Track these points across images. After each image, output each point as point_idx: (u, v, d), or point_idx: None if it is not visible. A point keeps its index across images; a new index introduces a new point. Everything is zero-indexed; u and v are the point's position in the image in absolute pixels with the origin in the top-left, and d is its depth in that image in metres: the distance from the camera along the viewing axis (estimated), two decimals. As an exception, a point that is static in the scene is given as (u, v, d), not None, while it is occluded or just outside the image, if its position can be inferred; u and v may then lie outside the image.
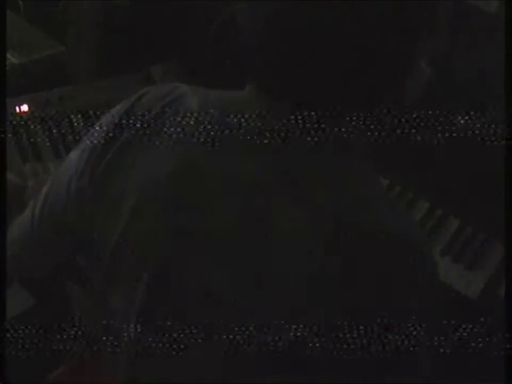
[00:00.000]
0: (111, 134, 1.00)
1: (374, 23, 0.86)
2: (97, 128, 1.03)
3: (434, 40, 0.92)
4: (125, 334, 1.02)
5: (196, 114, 0.96)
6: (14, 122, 1.68)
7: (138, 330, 1.01)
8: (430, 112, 0.94)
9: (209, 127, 0.95)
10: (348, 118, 0.89)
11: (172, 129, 0.97)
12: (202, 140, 0.95)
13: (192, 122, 0.96)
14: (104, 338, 1.05)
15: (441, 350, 0.96)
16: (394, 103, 0.92)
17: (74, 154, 1.06)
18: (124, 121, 1.00)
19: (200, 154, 0.96)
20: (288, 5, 0.88)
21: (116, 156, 1.00)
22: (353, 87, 0.89)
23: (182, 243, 0.97)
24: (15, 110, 1.69)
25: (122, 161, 1.00)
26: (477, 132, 0.96)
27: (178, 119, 0.97)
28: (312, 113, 0.89)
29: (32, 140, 1.68)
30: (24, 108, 1.71)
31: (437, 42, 0.93)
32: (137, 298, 1.00)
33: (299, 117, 0.90)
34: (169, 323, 0.98)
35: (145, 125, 0.99)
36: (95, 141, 1.02)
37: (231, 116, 0.94)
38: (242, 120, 0.93)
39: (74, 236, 1.07)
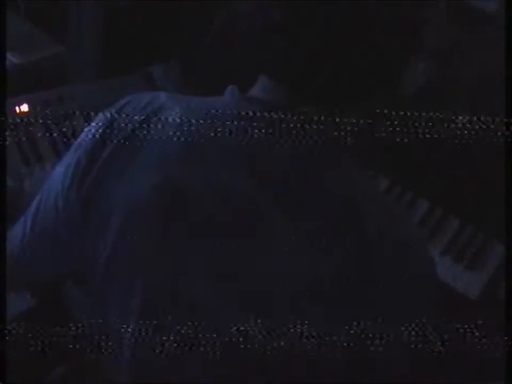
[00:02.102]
0: (94, 149, 0.99)
1: (372, 18, 0.87)
2: (80, 141, 1.02)
3: (433, 35, 0.93)
4: (125, 335, 1.02)
5: (176, 126, 0.95)
6: (14, 123, 1.68)
7: (138, 330, 1.01)
8: (430, 111, 0.94)
9: (191, 137, 0.94)
10: (346, 118, 0.89)
11: (154, 141, 0.96)
12: (184, 151, 0.94)
13: (172, 134, 0.95)
14: (103, 338, 1.05)
15: (441, 350, 0.96)
16: (391, 94, 0.92)
17: (59, 171, 1.05)
18: (105, 134, 0.99)
19: (184, 165, 0.95)
20: (289, 7, 0.89)
21: (100, 171, 0.98)
22: (351, 78, 0.89)
23: (173, 257, 0.96)
24: (15, 110, 1.70)
25: (107, 176, 0.98)
26: (477, 131, 0.96)
27: (159, 130, 0.96)
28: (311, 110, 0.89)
29: (32, 140, 1.68)
30: (24, 108, 1.71)
31: (435, 37, 0.93)
32: (135, 301, 1.00)
33: (295, 118, 0.89)
34: (168, 324, 0.98)
35: (127, 138, 0.97)
36: (79, 156, 1.00)
37: (213, 125, 0.93)
38: (226, 128, 0.92)
39: (67, 250, 1.06)
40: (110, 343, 1.04)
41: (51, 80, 1.83)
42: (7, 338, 1.04)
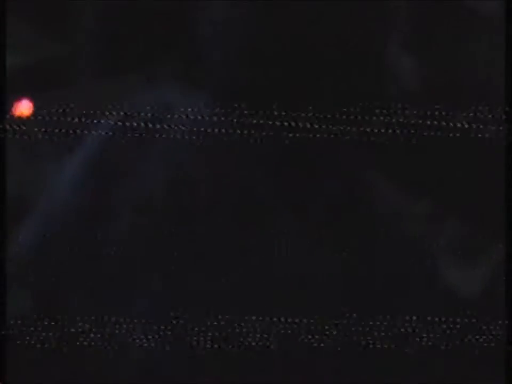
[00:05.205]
0: (103, 147, 1.00)
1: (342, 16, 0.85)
2: (89, 141, 1.03)
3: (405, 30, 0.91)
4: (131, 335, 1.02)
5: (184, 122, 0.96)
6: (14, 123, 1.69)
7: (145, 330, 1.01)
8: (430, 111, 0.94)
9: (199, 133, 0.95)
10: (347, 117, 0.89)
11: (163, 138, 0.97)
12: (191, 146, 0.95)
13: (180, 130, 0.96)
14: (107, 338, 1.05)
15: (441, 349, 0.96)
16: (375, 93, 0.91)
17: (68, 169, 1.05)
18: (115, 132, 1.00)
19: (192, 160, 0.96)
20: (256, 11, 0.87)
21: (110, 168, 0.99)
22: (331, 81, 0.87)
23: (182, 250, 0.96)
24: (15, 110, 1.70)
25: (117, 173, 0.99)
26: (477, 131, 0.96)
27: (167, 127, 0.97)
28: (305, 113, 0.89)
29: (32, 140, 1.68)
30: (24, 108, 1.71)
31: (407, 31, 0.92)
32: (144, 298, 1.00)
33: (292, 116, 0.89)
34: (175, 325, 0.98)
35: (136, 135, 0.98)
36: (88, 155, 1.01)
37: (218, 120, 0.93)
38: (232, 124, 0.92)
39: (77, 246, 1.07)
40: (113, 342, 1.04)
41: (51, 80, 1.83)
42: (7, 338, 1.04)
